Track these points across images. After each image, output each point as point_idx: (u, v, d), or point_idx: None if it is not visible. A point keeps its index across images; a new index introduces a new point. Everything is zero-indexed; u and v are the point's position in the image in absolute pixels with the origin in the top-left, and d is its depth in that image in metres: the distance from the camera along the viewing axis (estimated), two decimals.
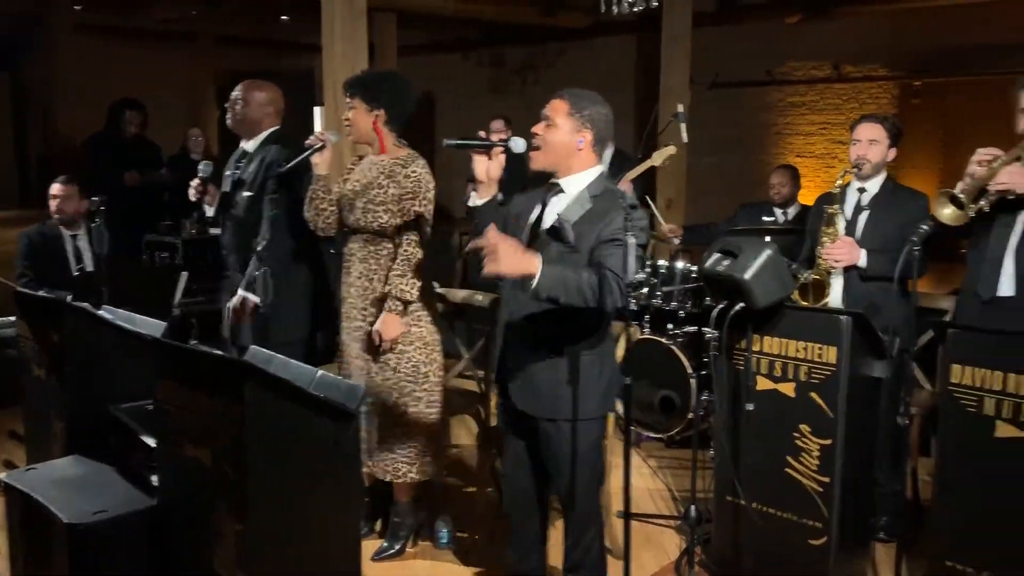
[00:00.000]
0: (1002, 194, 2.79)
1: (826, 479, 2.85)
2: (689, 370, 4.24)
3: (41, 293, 3.05)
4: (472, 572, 3.14)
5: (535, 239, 2.53)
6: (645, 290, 4.60)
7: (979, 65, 3.03)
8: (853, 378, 2.82)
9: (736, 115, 9.94)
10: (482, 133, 2.53)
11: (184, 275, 4.25)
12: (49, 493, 2.45)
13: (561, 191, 2.54)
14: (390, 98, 3.08)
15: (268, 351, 2.53)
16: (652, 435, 4.45)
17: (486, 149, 2.46)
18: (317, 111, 8.05)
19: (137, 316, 2.98)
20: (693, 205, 8.15)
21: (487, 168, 2.49)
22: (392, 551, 3.20)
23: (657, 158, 4.36)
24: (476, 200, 2.54)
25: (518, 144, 2.47)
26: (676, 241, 4.70)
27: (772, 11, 8.55)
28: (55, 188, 4.42)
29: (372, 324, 3.05)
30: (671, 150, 4.34)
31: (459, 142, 2.49)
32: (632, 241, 2.20)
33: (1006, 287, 2.87)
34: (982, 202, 2.79)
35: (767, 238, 4.27)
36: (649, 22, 8.24)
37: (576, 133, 2.49)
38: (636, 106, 9.89)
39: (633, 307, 4.67)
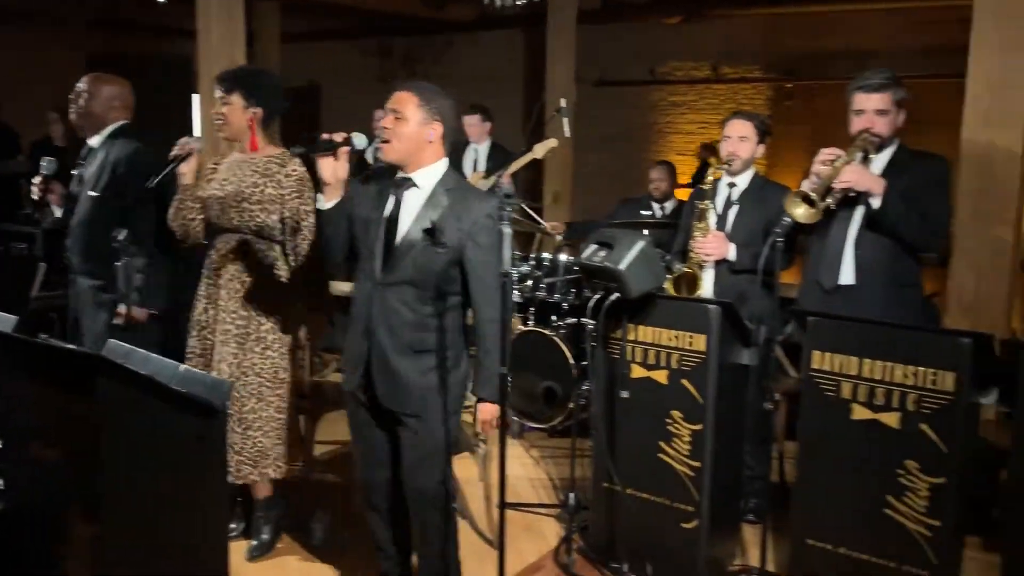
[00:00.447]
0: (845, 191, 2.96)
1: (697, 463, 2.93)
2: (571, 360, 4.29)
3: None
4: (347, 569, 3.09)
5: (392, 237, 2.50)
6: (529, 283, 4.64)
7: (844, 69, 3.21)
8: (722, 365, 2.91)
9: (620, 113, 10.15)
10: (325, 135, 2.44)
11: (42, 267, 4.03)
12: None
13: (414, 185, 2.52)
14: (267, 96, 3.01)
15: (127, 345, 2.40)
16: (535, 425, 4.49)
17: (332, 150, 2.41)
18: (196, 99, 7.75)
19: None
20: (579, 199, 8.29)
21: (334, 169, 2.44)
22: (261, 548, 3.12)
23: (539, 151, 4.41)
24: (324, 203, 2.48)
25: (360, 141, 2.44)
26: (559, 237, 4.78)
27: (654, 11, 8.76)
28: None
29: (240, 327, 2.97)
30: (552, 143, 4.39)
31: (305, 148, 2.44)
32: (508, 231, 2.21)
33: (847, 276, 3.05)
34: (829, 200, 2.94)
35: (644, 232, 4.38)
36: (535, 18, 8.32)
37: (426, 126, 2.48)
38: (523, 101, 9.97)
39: (517, 299, 4.71)
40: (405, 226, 2.51)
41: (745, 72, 9.09)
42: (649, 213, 4.98)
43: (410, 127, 2.46)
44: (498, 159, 5.33)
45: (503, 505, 2.47)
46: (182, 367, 2.29)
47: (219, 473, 2.29)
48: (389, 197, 2.54)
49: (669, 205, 5.05)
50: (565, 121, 4.49)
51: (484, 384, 2.52)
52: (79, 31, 10.42)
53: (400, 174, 2.54)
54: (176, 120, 9.32)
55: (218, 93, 2.97)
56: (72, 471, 2.04)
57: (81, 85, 3.39)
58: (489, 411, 2.54)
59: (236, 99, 2.96)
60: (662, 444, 3.00)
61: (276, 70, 9.44)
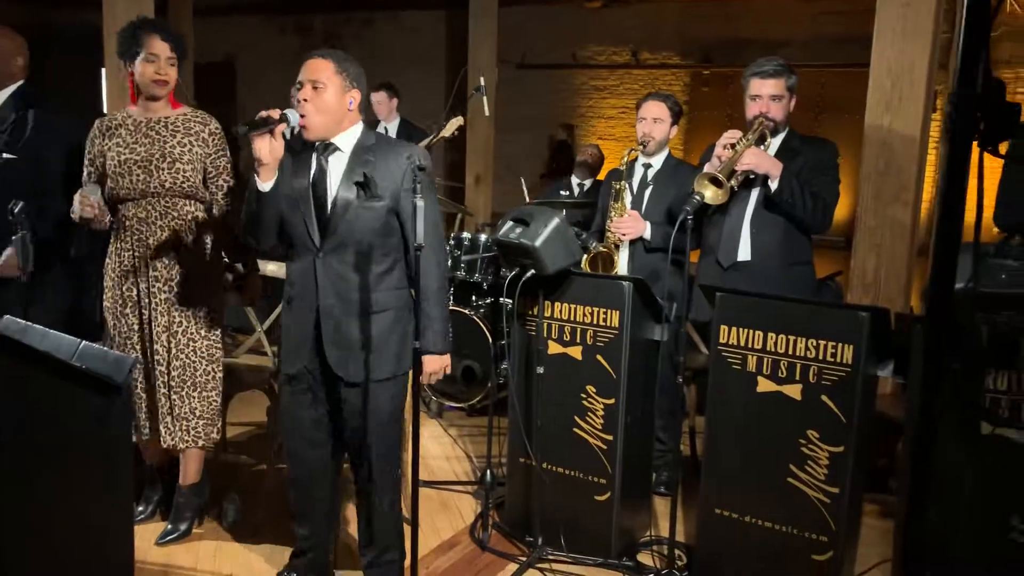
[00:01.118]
0: (746, 173, 3.08)
1: (609, 437, 2.99)
2: (490, 340, 4.31)
3: None
4: (260, 550, 3.04)
5: (323, 203, 2.45)
6: (449, 262, 4.63)
7: (756, 57, 3.31)
8: (634, 341, 2.97)
9: (543, 96, 10.18)
10: (262, 113, 2.35)
11: None
12: None
13: (337, 149, 2.47)
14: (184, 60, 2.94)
15: (23, 321, 2.30)
16: (454, 405, 4.50)
17: (270, 128, 2.33)
18: (104, 73, 7.45)
19: None
20: (500, 182, 8.29)
21: (271, 148, 2.35)
22: (177, 533, 3.04)
23: (447, 129, 4.38)
24: (263, 185, 2.39)
25: (295, 117, 2.37)
26: None
27: None
28: None
29: (179, 296, 2.88)
30: (458, 121, 4.38)
31: (249, 127, 2.33)
32: (420, 204, 2.19)
33: (744, 253, 3.19)
34: (732, 181, 3.04)
35: (563, 211, 4.42)
36: None
37: (346, 94, 2.43)
38: (446, 81, 9.90)
39: None
40: (334, 188, 2.45)
41: (664, 58, 9.23)
42: (566, 193, 5.02)
43: (330, 95, 2.39)
44: (407, 136, 5.30)
45: (415, 483, 2.48)
46: (82, 343, 2.21)
47: (122, 454, 2.22)
48: (311, 165, 2.48)
49: (587, 183, 5.10)
50: (484, 100, 4.49)
51: (430, 335, 2.48)
52: None
53: (319, 142, 2.47)
54: (82, 94, 8.94)
55: (168, 53, 2.83)
56: None
57: None
58: (438, 362, 2.52)
59: (176, 60, 2.87)
60: (577, 419, 3.04)
61: (189, 44, 9.12)
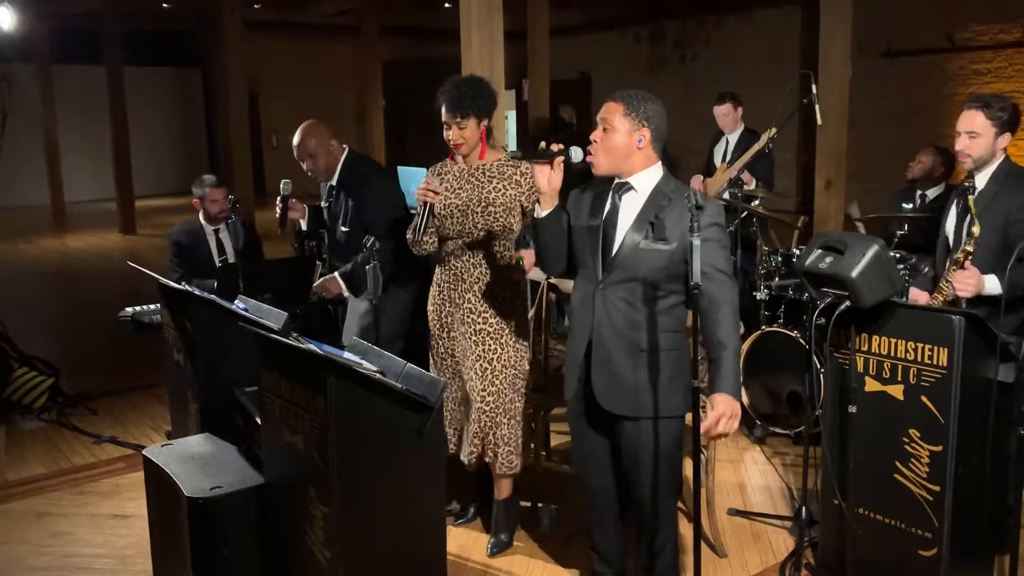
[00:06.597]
0: None
1: (936, 487, 2.68)
2: (818, 364, 4.06)
3: (171, 283, 3.35)
4: (569, 560, 3.19)
5: (610, 240, 2.54)
6: (776, 280, 4.46)
7: None
8: (968, 382, 2.63)
9: (912, 85, 9.31)
10: (543, 144, 2.54)
11: (319, 265, 4.56)
12: (178, 468, 2.74)
13: (631, 188, 2.55)
14: (492, 109, 3.16)
15: (366, 343, 2.68)
16: (779, 431, 4.31)
17: (549, 159, 2.51)
18: None
19: (265, 306, 3.22)
20: (856, 185, 7.70)
21: (549, 178, 2.52)
22: (499, 547, 3.28)
23: (760, 142, 4.18)
24: (539, 212, 2.57)
25: (577, 154, 2.52)
26: None
27: None
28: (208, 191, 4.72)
29: (492, 325, 3.13)
30: (771, 131, 4.15)
31: (523, 154, 2.64)
32: (696, 243, 2.17)
33: None
34: None
35: (905, 226, 4.03)
36: None
37: (634, 133, 2.51)
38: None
39: (764, 297, 4.54)
40: (624, 227, 2.54)
41: None
42: (909, 206, 4.53)
43: (618, 137, 2.51)
44: (746, 146, 5.13)
45: (697, 520, 2.44)
46: (407, 365, 2.52)
47: (437, 465, 2.49)
48: (606, 202, 2.60)
49: (932, 192, 4.52)
50: (816, 109, 4.23)
51: (723, 377, 2.42)
52: (371, 40, 11.42)
53: (617, 180, 2.58)
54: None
55: (456, 119, 3.08)
56: (309, 456, 2.34)
57: (299, 151, 3.76)
58: (729, 404, 2.39)
59: (471, 122, 3.10)
60: (898, 464, 2.77)
61: (546, 64, 9.73)
